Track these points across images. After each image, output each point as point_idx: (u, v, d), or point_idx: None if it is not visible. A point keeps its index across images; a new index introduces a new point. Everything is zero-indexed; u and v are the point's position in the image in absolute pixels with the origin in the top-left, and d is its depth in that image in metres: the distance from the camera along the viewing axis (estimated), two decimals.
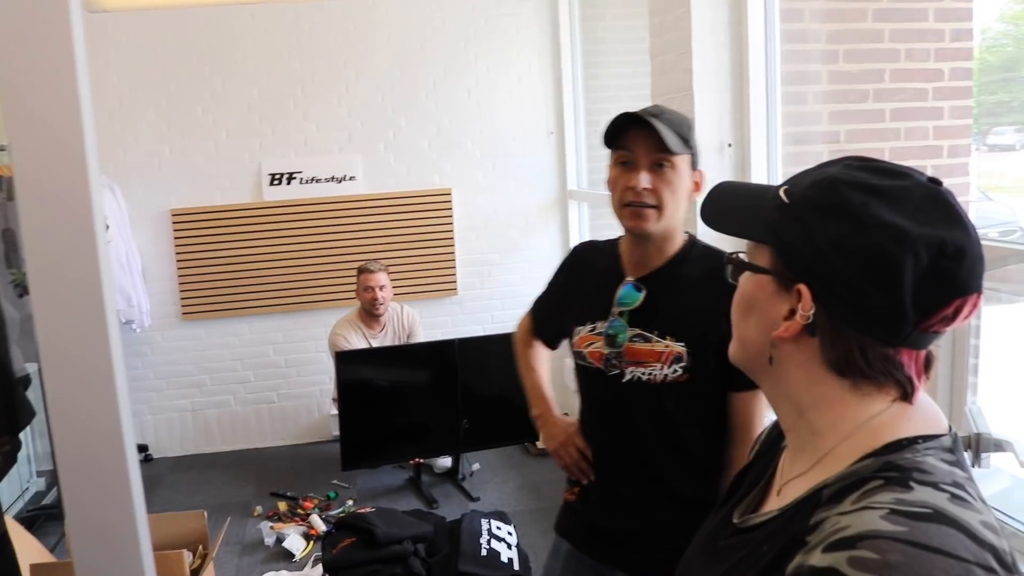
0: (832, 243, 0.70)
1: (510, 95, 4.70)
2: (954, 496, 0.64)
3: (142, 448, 4.63)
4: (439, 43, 4.60)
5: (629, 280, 1.55)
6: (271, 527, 3.56)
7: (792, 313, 0.74)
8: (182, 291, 4.56)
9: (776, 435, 0.88)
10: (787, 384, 0.77)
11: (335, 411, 4.01)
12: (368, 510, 3.12)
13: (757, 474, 0.88)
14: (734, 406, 1.51)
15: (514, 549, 2.92)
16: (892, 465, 0.68)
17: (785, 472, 0.81)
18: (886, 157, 0.82)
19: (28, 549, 2.61)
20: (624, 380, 1.53)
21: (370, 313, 4.11)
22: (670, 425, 1.52)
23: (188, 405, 4.70)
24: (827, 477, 0.71)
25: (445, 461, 4.11)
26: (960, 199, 0.72)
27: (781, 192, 0.76)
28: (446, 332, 4.61)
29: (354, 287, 4.18)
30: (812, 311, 0.72)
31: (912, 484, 0.65)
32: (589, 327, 1.59)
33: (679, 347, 1.48)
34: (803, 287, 0.72)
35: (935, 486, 0.65)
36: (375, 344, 4.12)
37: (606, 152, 1.54)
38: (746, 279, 0.80)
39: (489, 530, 2.95)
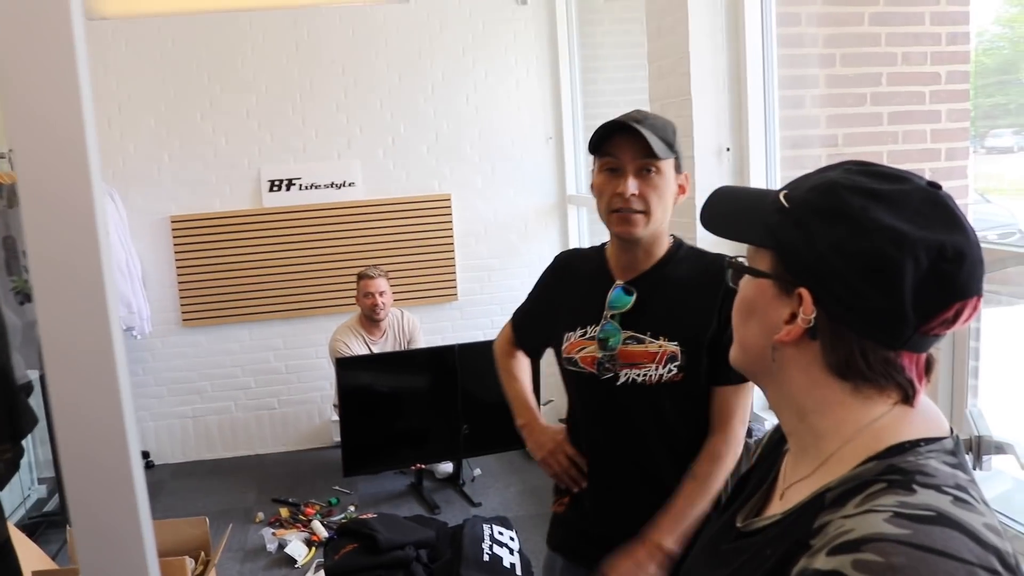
0: (832, 247, 0.70)
1: (509, 100, 4.71)
2: (957, 499, 0.65)
3: (144, 455, 4.63)
4: (438, 49, 4.60)
5: (619, 283, 1.56)
6: (273, 533, 3.55)
7: (793, 317, 0.74)
8: (182, 298, 4.56)
9: (778, 439, 0.88)
10: (788, 388, 0.77)
11: (336, 417, 4.01)
12: (370, 516, 3.12)
13: (760, 478, 0.88)
14: (716, 399, 1.53)
15: (516, 554, 2.91)
16: (895, 468, 0.68)
17: (788, 476, 0.81)
18: (884, 160, 0.83)
19: (30, 556, 2.61)
20: (619, 383, 1.53)
21: (370, 319, 4.11)
22: (668, 425, 1.53)
23: (189, 412, 4.69)
24: (830, 480, 0.71)
25: (446, 466, 4.11)
26: (958, 202, 0.72)
27: (781, 196, 0.76)
28: (446, 338, 4.61)
29: (354, 293, 4.19)
30: (813, 315, 0.72)
31: (915, 487, 0.65)
32: (580, 332, 1.59)
33: (673, 346, 1.49)
34: (804, 291, 0.72)
35: (938, 489, 0.65)
36: (376, 350, 4.12)
37: None
38: (746, 283, 0.80)
39: (491, 535, 2.95)
